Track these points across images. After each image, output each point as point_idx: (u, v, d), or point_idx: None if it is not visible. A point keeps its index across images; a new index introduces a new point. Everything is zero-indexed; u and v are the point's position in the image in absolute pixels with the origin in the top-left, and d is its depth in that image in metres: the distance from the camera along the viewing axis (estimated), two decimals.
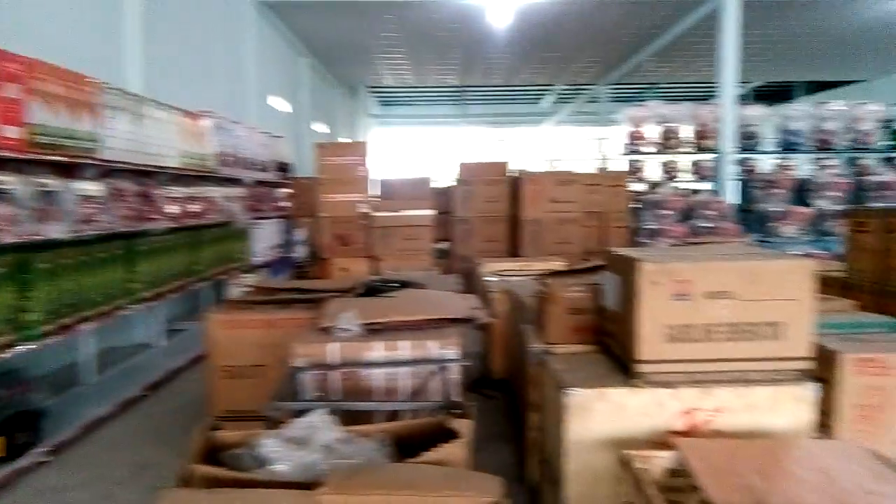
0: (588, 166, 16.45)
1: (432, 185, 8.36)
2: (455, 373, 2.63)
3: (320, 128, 14.80)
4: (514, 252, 7.87)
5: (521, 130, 24.08)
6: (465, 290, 4.12)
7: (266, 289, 4.08)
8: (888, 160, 9.67)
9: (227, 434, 2.05)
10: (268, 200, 7.53)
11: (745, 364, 2.34)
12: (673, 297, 2.33)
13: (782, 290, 2.30)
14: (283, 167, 8.28)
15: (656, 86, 17.40)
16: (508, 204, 8.04)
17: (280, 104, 11.63)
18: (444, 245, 8.29)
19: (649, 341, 2.35)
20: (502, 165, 8.51)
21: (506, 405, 4.31)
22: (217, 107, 6.59)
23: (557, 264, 5.00)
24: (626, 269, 2.47)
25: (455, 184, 8.16)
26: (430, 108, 22.49)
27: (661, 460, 2.13)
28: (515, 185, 7.96)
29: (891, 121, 9.67)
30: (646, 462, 2.10)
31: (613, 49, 13.24)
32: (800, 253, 8.04)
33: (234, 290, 6.11)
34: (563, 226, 7.81)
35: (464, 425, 1.89)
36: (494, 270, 5.42)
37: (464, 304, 3.10)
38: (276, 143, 8.24)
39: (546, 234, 7.75)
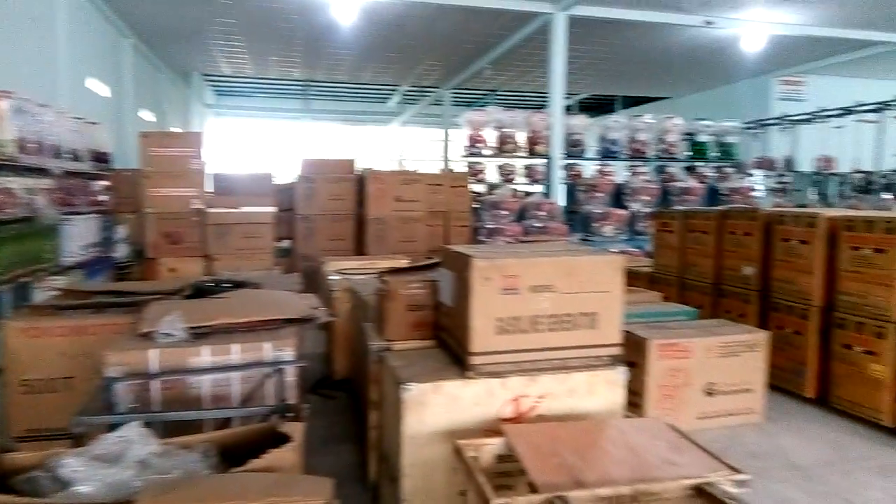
0: (433, 167, 16.82)
1: (274, 181, 8.05)
2: (291, 375, 2.54)
3: (147, 116, 13.61)
4: (359, 251, 7.82)
5: (368, 129, 24.00)
6: (306, 289, 4.01)
7: (78, 292, 3.66)
8: (690, 169, 10.99)
9: (22, 456, 1.80)
10: (82, 194, 6.74)
11: (565, 352, 2.53)
12: (502, 291, 2.45)
13: (596, 283, 2.52)
14: (100, 157, 7.48)
15: (495, 92, 18.24)
16: (354, 202, 7.98)
17: (100, 88, 10.51)
18: (286, 244, 8.02)
19: (481, 334, 2.45)
20: (349, 163, 8.42)
21: (349, 405, 4.26)
22: (20, 87, 5.78)
23: (402, 262, 5.05)
24: (460, 266, 2.55)
25: (298, 180, 7.93)
26: (272, 101, 21.61)
27: (491, 447, 2.23)
28: (361, 184, 7.92)
29: (691, 134, 10.99)
30: (477, 450, 2.19)
31: (455, 54, 13.66)
32: (616, 251, 8.88)
33: (41, 295, 5.41)
34: (407, 224, 7.91)
35: (295, 429, 1.84)
36: (338, 269, 5.34)
37: (302, 304, 3.01)
38: (91, 129, 7.42)
39: (391, 233, 7.80)
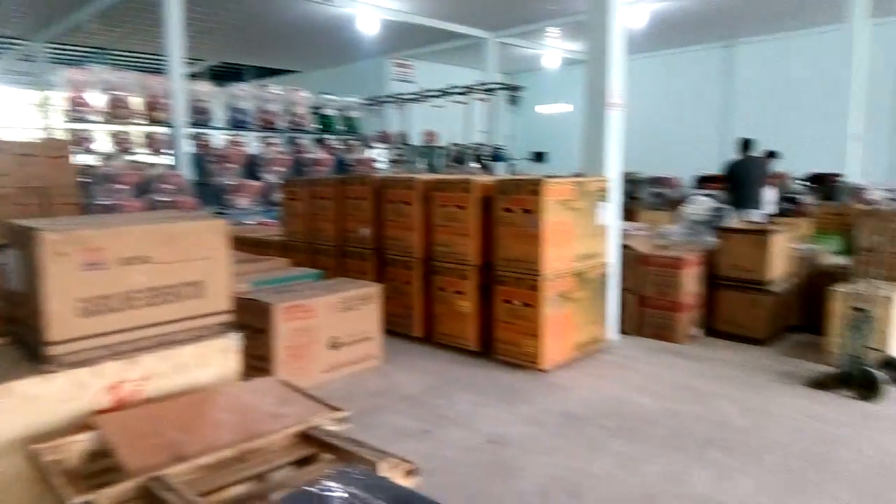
0: (29, 135, 13.94)
1: None
2: None
3: None
4: None
5: None
6: None
7: None
8: (319, 141, 11.46)
9: None
10: None
11: (169, 326, 2.37)
12: (84, 266, 2.16)
13: (198, 251, 2.41)
14: None
15: (106, 51, 15.98)
16: None
17: None
18: None
19: (60, 318, 2.13)
20: None
21: None
22: None
23: None
24: (27, 243, 2.15)
25: None
26: None
27: (79, 445, 1.98)
28: None
29: (319, 108, 11.43)
30: (58, 451, 1.91)
31: (46, 1, 11.48)
32: (253, 222, 8.79)
33: None
34: None
35: None
36: None
37: None
38: None
39: None
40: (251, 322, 3.98)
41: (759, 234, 4.99)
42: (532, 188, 4.18)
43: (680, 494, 2.73)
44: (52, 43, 14.65)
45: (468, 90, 11.43)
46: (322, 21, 12.77)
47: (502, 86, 12.70)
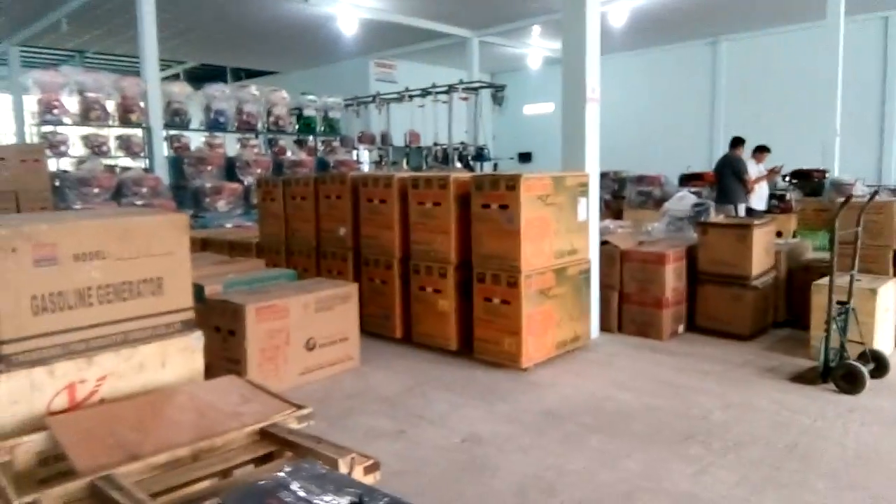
0: (1, 138, 13.72)
1: None
2: None
3: None
4: None
5: None
6: None
7: None
8: (300, 143, 11.34)
9: None
10: None
11: (127, 325, 2.27)
12: (36, 262, 2.06)
13: (158, 246, 2.32)
14: None
15: (82, 54, 15.77)
16: None
17: None
18: None
19: (11, 317, 2.02)
20: None
21: None
22: None
23: None
24: None
25: None
26: None
27: (29, 445, 1.88)
28: None
29: (299, 109, 11.31)
30: (9, 453, 1.82)
31: (21, 2, 11.27)
32: (231, 225, 8.66)
33: None
34: None
35: None
36: None
37: None
38: None
39: None
40: (223, 324, 3.90)
41: (741, 229, 4.97)
42: (509, 183, 4.12)
43: (658, 490, 2.67)
44: (25, 46, 14.44)
45: (451, 89, 11.36)
46: (302, 21, 12.66)
47: (485, 84, 12.66)
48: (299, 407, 2.09)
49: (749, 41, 14.48)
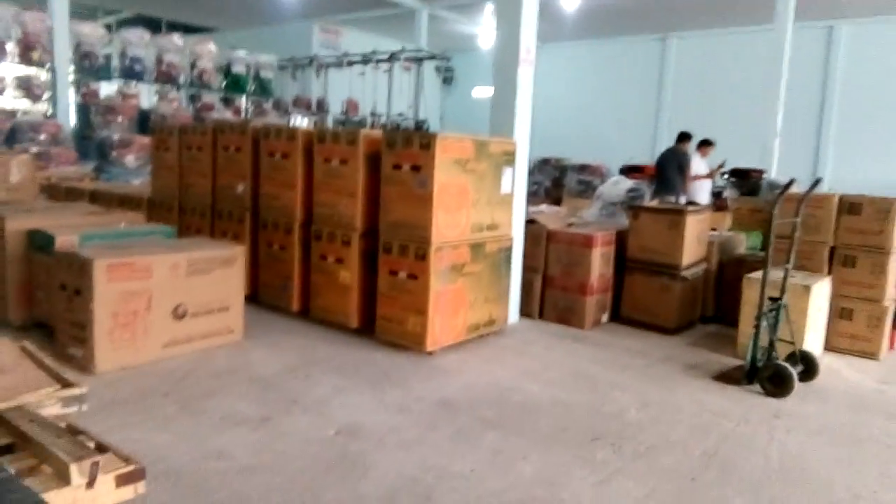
0: None
1: None
2: None
3: None
4: None
5: None
6: None
7: None
8: (226, 100, 10.52)
9: None
10: None
11: None
12: None
13: None
14: None
15: None
16: None
17: None
18: None
19: None
20: None
21: None
22: None
23: None
24: None
25: None
26: None
27: None
28: None
29: (228, 65, 10.48)
30: None
31: None
32: (139, 182, 7.86)
33: None
34: None
35: None
36: None
37: None
38: None
39: None
40: (69, 281, 3.27)
41: (674, 215, 4.63)
42: (423, 141, 3.62)
43: (552, 501, 2.25)
44: None
45: (392, 57, 10.75)
46: None
47: (429, 55, 12.07)
48: (69, 385, 1.55)
49: (698, 40, 14.46)
